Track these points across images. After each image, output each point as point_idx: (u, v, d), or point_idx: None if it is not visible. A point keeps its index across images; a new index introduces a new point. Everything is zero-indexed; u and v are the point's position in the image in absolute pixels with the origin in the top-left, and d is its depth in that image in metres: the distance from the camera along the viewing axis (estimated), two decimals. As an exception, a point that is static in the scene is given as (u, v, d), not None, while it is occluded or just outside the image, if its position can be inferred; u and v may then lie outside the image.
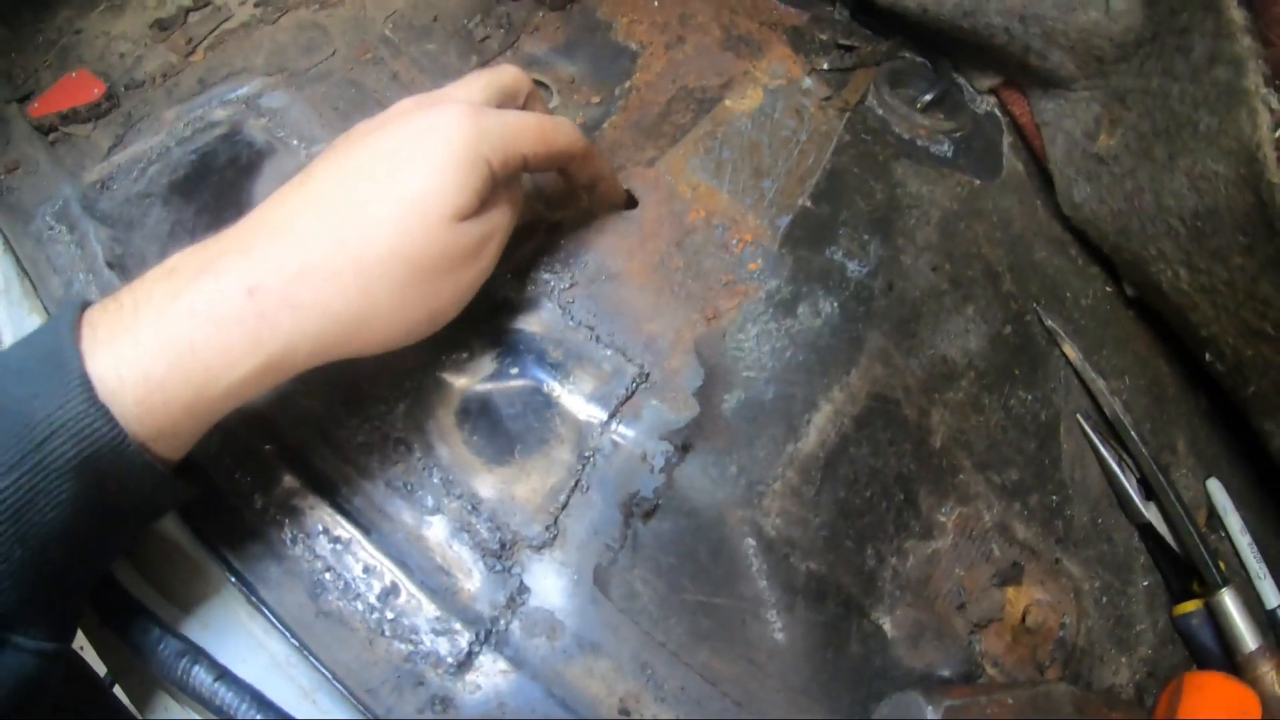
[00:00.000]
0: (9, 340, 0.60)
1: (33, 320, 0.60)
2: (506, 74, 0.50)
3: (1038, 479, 0.60)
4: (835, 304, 0.55)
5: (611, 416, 0.50)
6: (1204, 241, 0.58)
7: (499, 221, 0.46)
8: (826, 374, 0.53)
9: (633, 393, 0.51)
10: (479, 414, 0.51)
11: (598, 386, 0.51)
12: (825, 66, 0.67)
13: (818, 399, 0.52)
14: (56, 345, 0.37)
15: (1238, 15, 0.52)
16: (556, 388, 0.51)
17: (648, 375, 0.51)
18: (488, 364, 0.52)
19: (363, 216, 0.40)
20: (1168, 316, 0.67)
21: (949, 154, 0.66)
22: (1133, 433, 0.63)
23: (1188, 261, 0.61)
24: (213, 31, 0.71)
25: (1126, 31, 0.60)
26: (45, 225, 0.63)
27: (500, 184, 0.45)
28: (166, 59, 0.70)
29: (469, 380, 0.52)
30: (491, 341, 0.52)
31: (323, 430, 0.52)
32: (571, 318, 0.53)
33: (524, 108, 0.52)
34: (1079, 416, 0.64)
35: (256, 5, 0.72)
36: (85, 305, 0.40)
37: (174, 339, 0.37)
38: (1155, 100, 0.60)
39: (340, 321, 0.40)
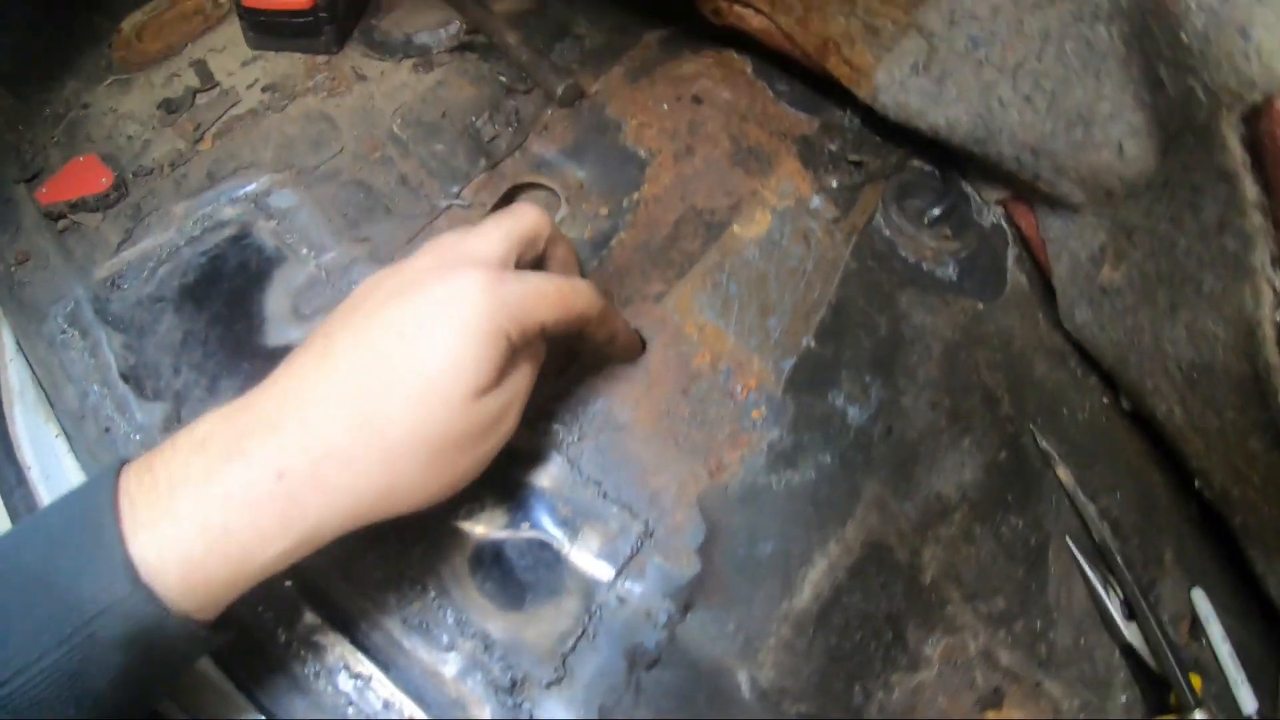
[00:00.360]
0: (29, 450, 0.62)
1: (49, 430, 0.62)
2: (527, 219, 0.50)
3: (1023, 605, 0.63)
4: (835, 454, 0.58)
5: (618, 575, 0.53)
6: (1199, 390, 0.61)
7: (518, 388, 0.46)
8: (823, 528, 0.55)
9: (637, 550, 0.53)
10: (491, 563, 0.54)
11: (604, 544, 0.53)
12: (834, 184, 0.68)
13: (813, 554, 0.55)
14: (98, 521, 0.39)
15: (1251, 191, 0.53)
16: (565, 545, 0.53)
17: (652, 533, 0.54)
18: (499, 516, 0.54)
19: (384, 395, 0.41)
20: (1162, 437, 0.70)
21: (954, 277, 0.68)
22: (1118, 557, 0.66)
23: (1182, 402, 0.63)
24: (220, 118, 0.71)
25: (1138, 175, 0.62)
26: (58, 328, 0.64)
27: (519, 350, 0.46)
28: (175, 145, 0.70)
29: (482, 530, 0.54)
30: (504, 494, 0.54)
31: (342, 566, 0.55)
32: (580, 472, 0.55)
33: (544, 252, 0.53)
34: (1068, 539, 0.67)
35: (264, 90, 0.72)
36: (122, 465, 0.41)
37: (210, 522, 0.39)
38: (1161, 245, 0.61)
39: (366, 498, 0.42)
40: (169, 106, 0.71)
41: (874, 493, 0.58)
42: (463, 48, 0.74)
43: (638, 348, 0.59)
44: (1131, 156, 0.61)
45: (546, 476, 0.55)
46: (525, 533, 0.54)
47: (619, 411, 0.56)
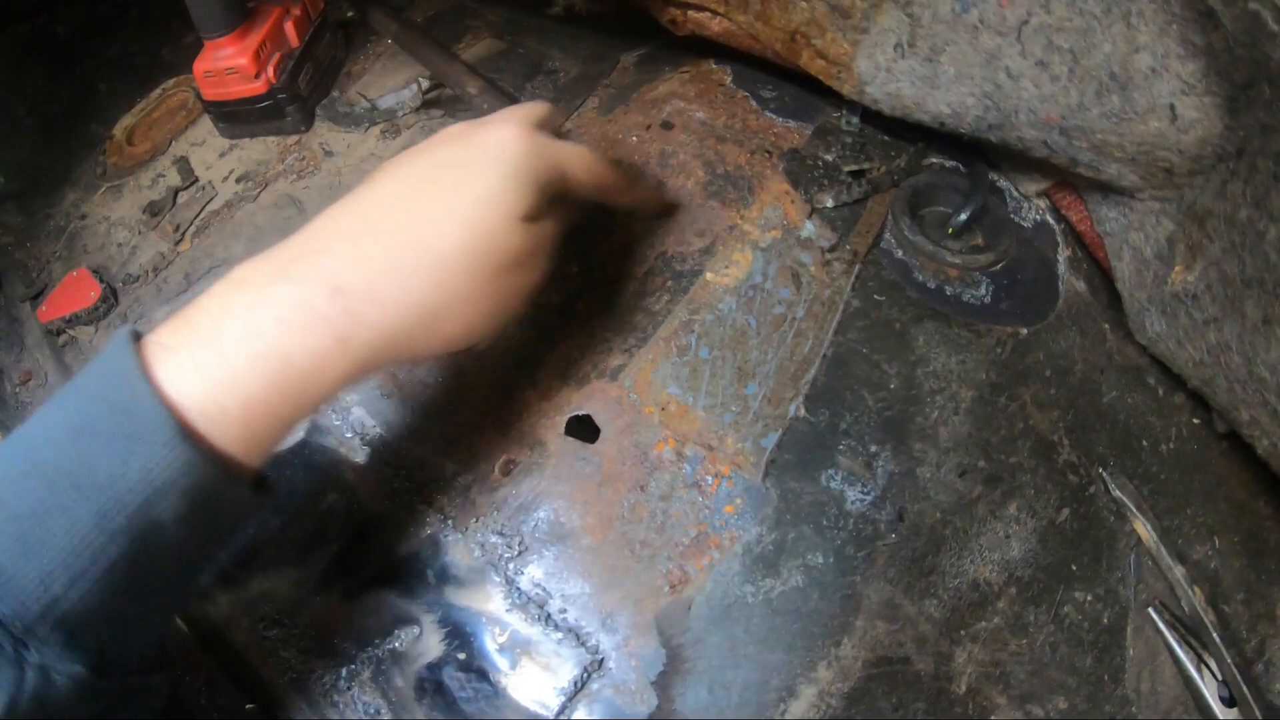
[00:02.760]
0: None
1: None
2: (543, 109, 0.46)
3: (1093, 701, 0.46)
4: (829, 552, 0.43)
5: (560, 711, 0.41)
6: (1316, 426, 0.41)
7: (550, 232, 0.43)
8: (811, 648, 0.41)
9: (584, 683, 0.41)
10: (434, 691, 0.43)
11: (546, 677, 0.41)
12: (829, 204, 0.52)
13: (796, 683, 0.41)
14: (133, 399, 0.31)
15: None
16: (502, 678, 0.42)
17: (601, 662, 0.41)
18: (435, 644, 0.44)
19: (437, 216, 0.38)
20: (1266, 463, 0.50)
21: (987, 299, 0.51)
22: (1213, 632, 0.47)
23: (1292, 437, 0.44)
24: (198, 215, 0.63)
25: (1201, 144, 0.43)
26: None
27: (550, 199, 0.42)
28: (157, 249, 0.63)
29: (421, 658, 0.43)
30: (439, 619, 0.44)
31: (297, 682, 0.46)
32: (519, 593, 0.43)
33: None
34: (1151, 611, 0.49)
35: (238, 181, 0.64)
36: (138, 336, 0.34)
37: (267, 352, 0.33)
38: (1244, 238, 0.42)
39: (421, 314, 0.37)
40: (152, 209, 0.65)
41: (880, 597, 0.43)
42: (428, 105, 0.63)
43: (660, 202, 0.54)
44: (1188, 121, 0.42)
45: (483, 597, 0.44)
46: (463, 662, 0.43)
47: (565, 517, 0.44)
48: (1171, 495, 0.51)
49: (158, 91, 0.72)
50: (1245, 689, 0.47)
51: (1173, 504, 0.51)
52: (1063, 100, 0.45)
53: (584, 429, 0.47)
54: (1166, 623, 0.49)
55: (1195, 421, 0.54)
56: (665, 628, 0.42)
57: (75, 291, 0.62)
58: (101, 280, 0.62)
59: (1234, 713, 0.48)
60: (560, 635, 0.42)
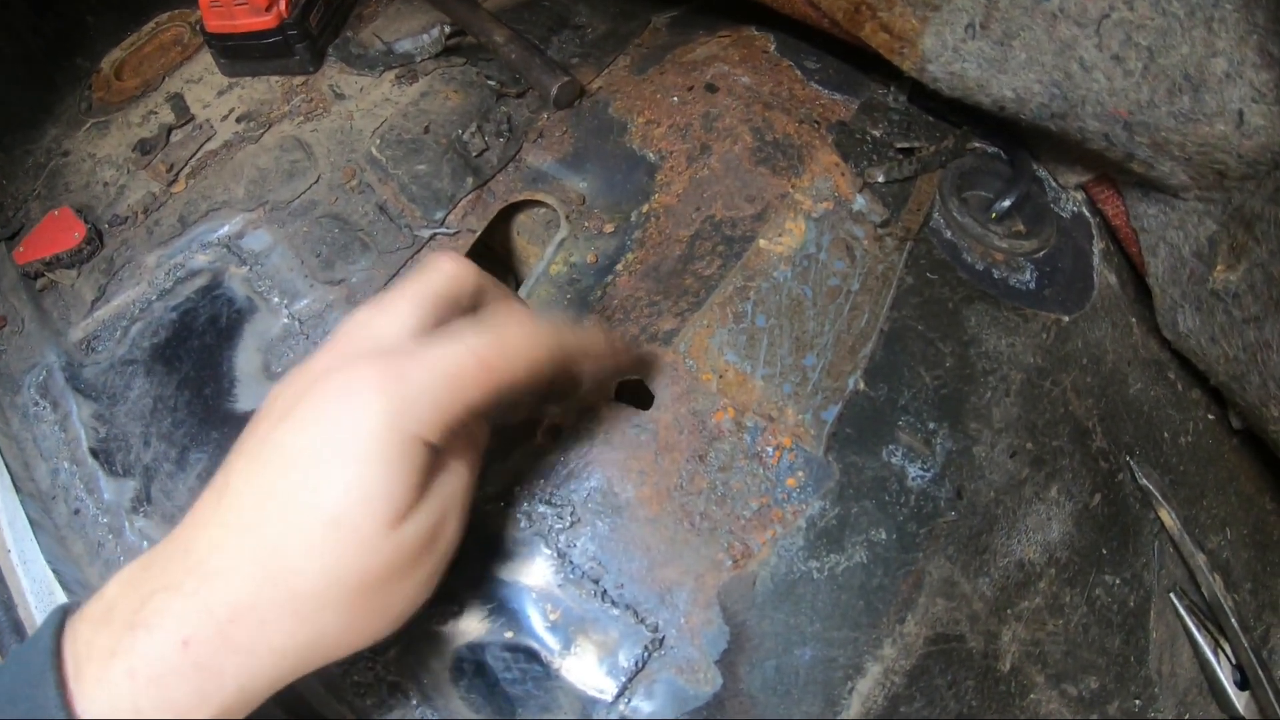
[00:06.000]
0: (7, 532, 0.51)
1: (21, 511, 0.51)
2: (439, 275, 0.36)
3: (1120, 681, 0.46)
4: (891, 529, 0.41)
5: (620, 693, 0.38)
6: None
7: (452, 492, 0.34)
8: (876, 625, 0.39)
9: (644, 663, 0.38)
10: (474, 673, 0.40)
11: (603, 655, 0.38)
12: (880, 179, 0.50)
13: (863, 661, 0.39)
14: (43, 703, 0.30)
15: None
16: (556, 655, 0.39)
17: (662, 640, 0.38)
18: (478, 622, 0.40)
19: (285, 544, 0.31)
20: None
21: (1032, 285, 0.50)
22: (1233, 620, 0.48)
23: (1325, 433, 0.44)
24: (194, 155, 0.57)
25: (1260, 150, 0.42)
26: (31, 400, 0.52)
27: (446, 446, 0.33)
28: (148, 189, 0.57)
29: (460, 637, 0.40)
30: (482, 595, 0.40)
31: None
32: (572, 567, 0.40)
33: (476, 306, 0.38)
34: (1172, 596, 0.49)
35: (239, 120, 0.58)
36: (64, 621, 0.32)
37: (119, 703, 0.30)
38: (1298, 239, 0.42)
39: (288, 655, 0.32)
40: (143, 148, 0.58)
41: (941, 574, 0.41)
42: (448, 52, 0.58)
43: (629, 364, 0.42)
44: (1254, 127, 0.42)
45: (531, 572, 0.40)
46: (509, 642, 0.39)
47: (620, 487, 0.41)
48: (1189, 486, 0.52)
49: (150, 25, 0.65)
50: (1260, 672, 0.47)
51: (1190, 494, 0.51)
52: (1133, 96, 0.44)
53: (636, 394, 0.44)
54: (1186, 608, 0.49)
55: (1210, 417, 0.54)
56: (729, 604, 0.39)
57: (56, 232, 0.56)
58: (86, 220, 0.56)
59: (1246, 695, 0.48)
60: (618, 612, 0.39)
